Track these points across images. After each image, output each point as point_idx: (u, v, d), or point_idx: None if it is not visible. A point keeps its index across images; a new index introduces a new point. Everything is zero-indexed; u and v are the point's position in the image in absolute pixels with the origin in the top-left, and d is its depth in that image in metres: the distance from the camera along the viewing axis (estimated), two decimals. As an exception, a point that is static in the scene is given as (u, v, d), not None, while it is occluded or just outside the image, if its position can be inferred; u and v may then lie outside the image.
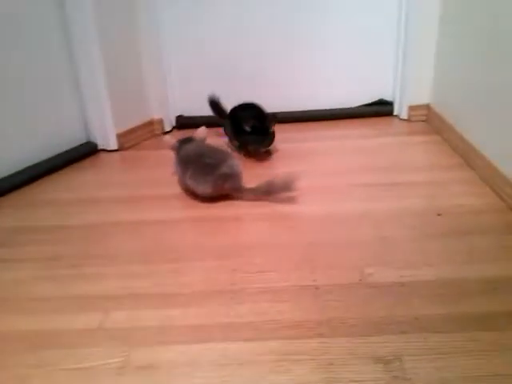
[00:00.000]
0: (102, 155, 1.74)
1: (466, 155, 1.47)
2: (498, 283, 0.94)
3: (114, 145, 1.74)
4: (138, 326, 0.89)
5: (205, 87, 1.74)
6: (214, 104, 1.72)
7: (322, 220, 1.22)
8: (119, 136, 1.73)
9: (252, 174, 1.39)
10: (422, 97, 1.82)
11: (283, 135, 1.69)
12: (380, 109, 1.91)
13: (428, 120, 1.82)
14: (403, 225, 1.17)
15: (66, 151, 1.66)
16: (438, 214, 1.20)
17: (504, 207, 1.21)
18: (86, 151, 1.71)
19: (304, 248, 1.10)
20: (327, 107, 1.92)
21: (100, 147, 1.75)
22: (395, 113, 1.91)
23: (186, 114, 1.94)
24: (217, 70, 1.88)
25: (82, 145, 1.72)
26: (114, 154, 1.75)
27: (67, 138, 1.67)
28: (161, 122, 1.86)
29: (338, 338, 0.83)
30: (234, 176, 1.30)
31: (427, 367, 0.77)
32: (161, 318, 0.90)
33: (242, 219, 1.25)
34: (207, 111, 1.74)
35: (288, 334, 0.85)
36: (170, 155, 1.42)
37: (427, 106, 1.82)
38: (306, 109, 1.93)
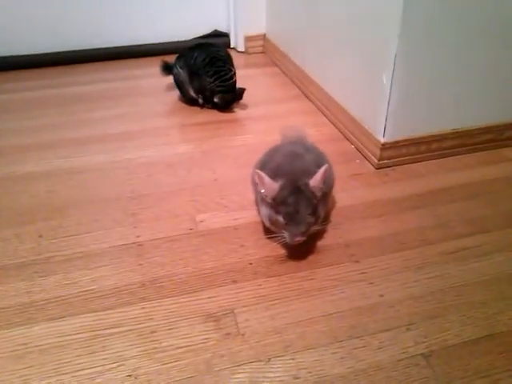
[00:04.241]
0: None
1: (303, 86, 1.42)
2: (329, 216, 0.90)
3: None
4: None
5: None
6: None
7: (144, 167, 1.07)
8: None
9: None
10: (258, 27, 1.72)
11: (86, 76, 1.51)
12: (216, 41, 1.76)
13: (265, 51, 1.73)
14: (236, 165, 1.07)
15: None
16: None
17: (340, 136, 1.19)
18: None
19: (124, 202, 0.95)
20: (156, 42, 1.71)
21: None
22: (232, 45, 1.78)
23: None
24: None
25: None
26: None
27: None
28: None
29: (164, 299, 0.72)
30: None
31: (261, 317, 0.69)
32: None
33: (50, 175, 1.04)
34: None
35: (103, 304, 0.72)
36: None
37: (263, 37, 1.73)
38: (128, 44, 1.70)
